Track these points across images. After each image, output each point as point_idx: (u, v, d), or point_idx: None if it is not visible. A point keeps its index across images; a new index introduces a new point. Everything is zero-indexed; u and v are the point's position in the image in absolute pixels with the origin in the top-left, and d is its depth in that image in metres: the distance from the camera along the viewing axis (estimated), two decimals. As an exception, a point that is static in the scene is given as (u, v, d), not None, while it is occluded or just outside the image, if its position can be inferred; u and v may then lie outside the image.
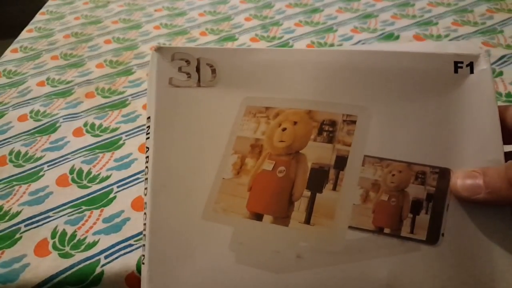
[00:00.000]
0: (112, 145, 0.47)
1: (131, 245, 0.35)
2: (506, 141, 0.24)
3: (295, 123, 0.25)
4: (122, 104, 0.54)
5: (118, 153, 0.46)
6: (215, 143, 0.25)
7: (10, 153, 0.47)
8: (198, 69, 0.26)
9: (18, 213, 0.39)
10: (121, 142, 0.47)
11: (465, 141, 0.24)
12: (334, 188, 0.24)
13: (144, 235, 0.24)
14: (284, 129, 0.25)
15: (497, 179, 0.22)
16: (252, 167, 0.25)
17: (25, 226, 0.38)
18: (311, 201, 0.24)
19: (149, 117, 0.26)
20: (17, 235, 0.37)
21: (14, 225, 0.38)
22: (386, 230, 0.23)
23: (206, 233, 0.24)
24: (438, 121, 0.25)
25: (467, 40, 0.60)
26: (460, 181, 0.23)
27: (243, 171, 0.25)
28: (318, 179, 0.24)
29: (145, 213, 0.25)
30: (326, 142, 0.25)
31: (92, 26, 0.77)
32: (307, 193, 0.24)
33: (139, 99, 0.55)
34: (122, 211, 0.39)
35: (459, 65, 0.25)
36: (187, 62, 0.26)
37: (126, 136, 0.48)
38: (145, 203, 0.25)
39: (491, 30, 0.63)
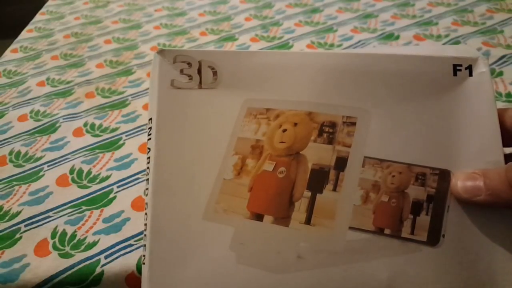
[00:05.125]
0: (112, 145, 0.47)
1: (131, 245, 0.35)
2: (505, 143, 0.24)
3: (295, 124, 0.26)
4: (122, 104, 0.54)
5: (118, 153, 0.46)
6: (216, 144, 0.25)
7: (10, 153, 0.47)
8: (199, 71, 0.26)
9: (18, 213, 0.39)
10: (121, 142, 0.47)
11: (465, 143, 0.24)
12: (334, 189, 0.24)
13: (145, 235, 0.24)
14: (284, 130, 0.25)
15: (497, 181, 0.22)
16: (253, 168, 0.25)
17: (25, 226, 0.38)
18: (312, 201, 0.24)
19: (150, 119, 0.26)
20: (17, 235, 0.37)
21: (14, 225, 0.38)
22: (387, 231, 0.23)
23: (206, 233, 0.24)
24: (437, 123, 0.25)
25: (465, 44, 0.60)
26: (460, 183, 0.23)
27: (244, 171, 0.25)
28: (318, 179, 0.24)
29: (146, 214, 0.25)
30: (326, 143, 0.25)
31: (92, 26, 0.77)
32: (308, 193, 0.24)
33: (139, 99, 0.55)
34: (122, 211, 0.39)
35: (458, 68, 0.25)
36: (189, 64, 0.26)
37: (126, 136, 0.48)
38: (146, 203, 0.25)
39: (491, 30, 0.63)
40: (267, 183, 0.25)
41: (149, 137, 0.26)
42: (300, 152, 0.25)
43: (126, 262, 0.34)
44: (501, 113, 0.25)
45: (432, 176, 0.24)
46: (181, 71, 0.26)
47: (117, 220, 0.38)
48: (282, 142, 0.25)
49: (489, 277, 0.23)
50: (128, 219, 0.38)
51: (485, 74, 0.25)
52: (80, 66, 0.64)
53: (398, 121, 0.25)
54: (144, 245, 0.24)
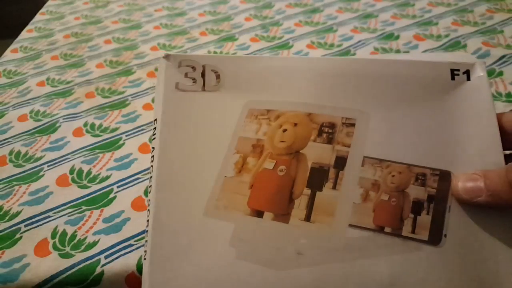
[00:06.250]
0: (112, 145, 0.47)
1: (131, 245, 0.36)
2: (503, 147, 0.24)
3: (295, 124, 0.26)
4: (122, 104, 0.54)
5: (118, 153, 0.46)
6: (218, 143, 0.26)
7: (10, 153, 0.47)
8: (203, 75, 0.27)
9: (18, 213, 0.39)
10: (121, 142, 0.47)
11: (464, 144, 0.25)
12: (334, 187, 0.24)
13: (147, 231, 0.25)
14: (284, 130, 0.26)
15: (498, 182, 0.22)
16: (254, 166, 0.25)
17: (25, 226, 0.38)
18: (311, 199, 0.24)
19: (155, 119, 0.27)
20: (17, 235, 0.37)
21: (14, 225, 0.38)
22: (387, 229, 0.24)
23: (207, 229, 0.24)
24: (436, 125, 0.25)
25: (463, 52, 0.60)
26: (461, 183, 0.23)
27: (245, 169, 0.25)
28: (318, 177, 0.25)
29: (148, 210, 0.25)
30: (325, 143, 0.25)
31: (92, 26, 0.77)
32: (307, 191, 0.24)
33: (139, 99, 0.55)
34: (122, 211, 0.39)
35: (455, 72, 0.26)
36: (193, 68, 0.27)
37: (126, 136, 0.48)
38: (149, 200, 0.25)
39: (491, 30, 0.63)
40: (267, 180, 0.25)
41: (154, 136, 0.26)
42: (300, 151, 0.25)
43: (126, 262, 0.34)
44: (498, 117, 0.25)
45: (433, 176, 0.24)
46: (186, 75, 0.27)
47: (117, 220, 0.38)
48: (282, 141, 0.26)
49: (491, 277, 0.23)
50: (128, 219, 0.38)
51: (483, 78, 0.26)
52: (80, 66, 0.64)
53: (397, 123, 0.26)
54: (146, 241, 0.24)
